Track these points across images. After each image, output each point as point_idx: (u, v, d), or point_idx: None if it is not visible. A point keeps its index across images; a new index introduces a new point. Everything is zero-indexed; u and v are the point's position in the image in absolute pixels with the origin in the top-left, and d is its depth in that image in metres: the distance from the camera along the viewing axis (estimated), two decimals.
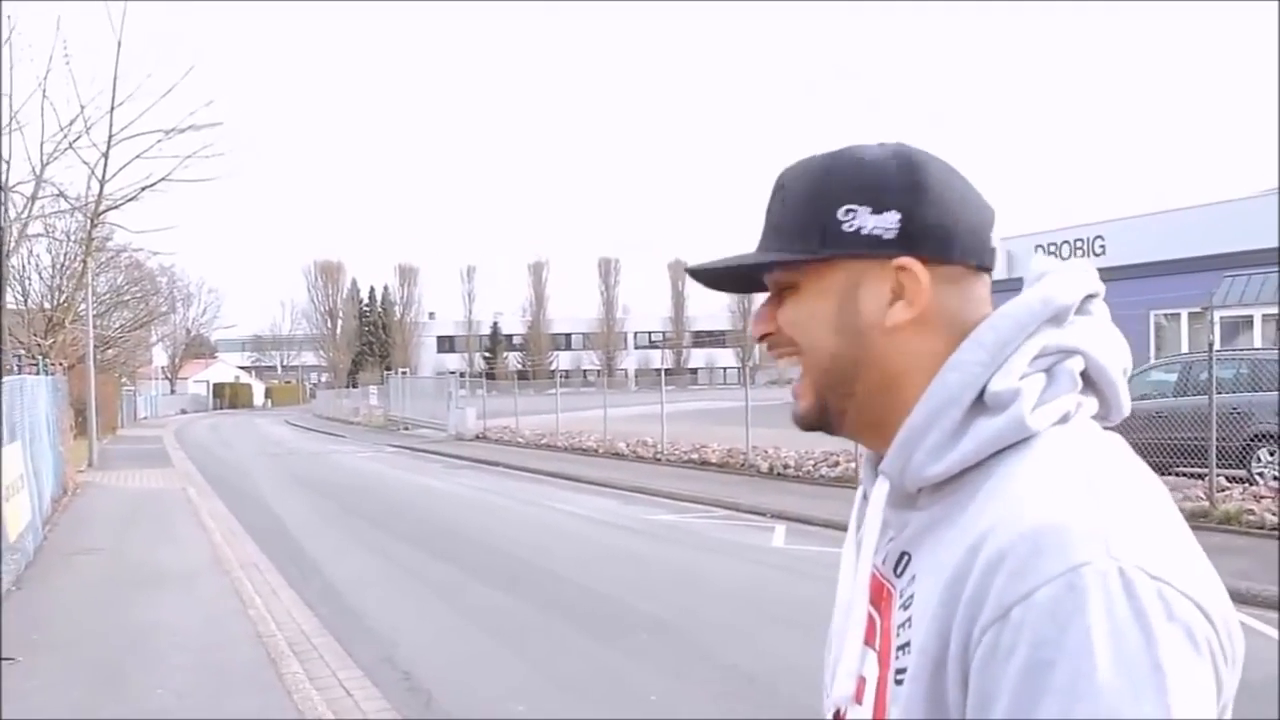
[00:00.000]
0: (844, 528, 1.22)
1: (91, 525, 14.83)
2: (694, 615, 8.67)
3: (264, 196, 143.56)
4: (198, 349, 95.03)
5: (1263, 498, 11.99)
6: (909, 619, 1.00)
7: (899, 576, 1.05)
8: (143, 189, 20.79)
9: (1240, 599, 8.42)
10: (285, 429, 50.98)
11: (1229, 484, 12.68)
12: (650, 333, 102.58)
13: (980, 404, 1.02)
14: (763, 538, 12.85)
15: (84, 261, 23.76)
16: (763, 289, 1.17)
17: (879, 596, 1.07)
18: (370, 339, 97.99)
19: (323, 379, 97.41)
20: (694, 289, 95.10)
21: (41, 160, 19.51)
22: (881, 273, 1.07)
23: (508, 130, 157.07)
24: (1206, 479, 12.11)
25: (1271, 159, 66.89)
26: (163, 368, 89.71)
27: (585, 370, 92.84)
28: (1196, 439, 12.44)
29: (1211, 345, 12.57)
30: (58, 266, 26.51)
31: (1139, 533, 0.90)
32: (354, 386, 73.23)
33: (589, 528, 14.38)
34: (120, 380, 50.49)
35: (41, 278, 27.50)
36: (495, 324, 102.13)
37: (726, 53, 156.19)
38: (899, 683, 0.99)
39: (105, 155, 20.27)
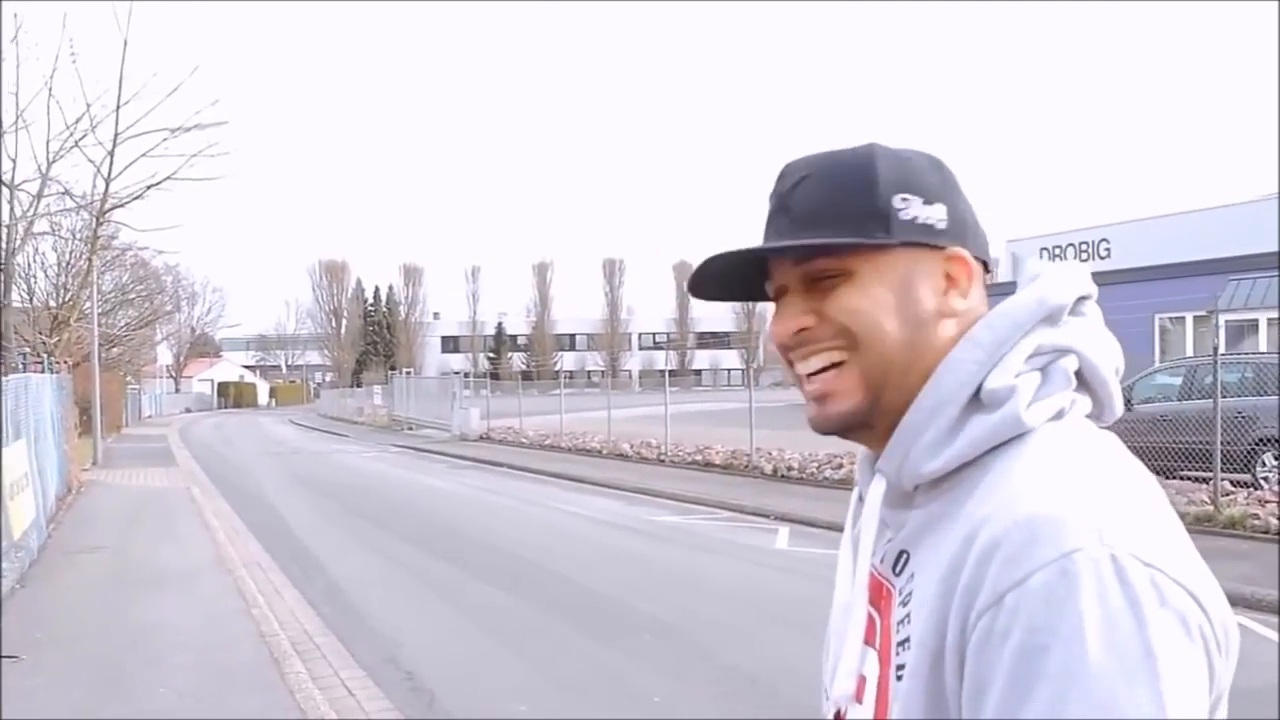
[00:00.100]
0: None
1: (95, 524, 14.85)
2: (697, 616, 8.67)
3: (269, 195, 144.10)
4: (202, 348, 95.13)
5: (1267, 502, 11.96)
6: (908, 615, 1.01)
7: (898, 575, 1.06)
8: (148, 187, 20.80)
9: (1245, 603, 8.39)
10: (289, 428, 51.03)
11: (1233, 488, 12.65)
12: (654, 334, 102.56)
13: (976, 401, 1.03)
14: (766, 539, 12.85)
15: (89, 260, 23.77)
16: (761, 297, 1.14)
17: (878, 596, 1.08)
18: (375, 339, 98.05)
19: (327, 378, 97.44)
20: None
21: (47, 158, 19.53)
22: (933, 262, 1.08)
23: (513, 131, 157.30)
24: (1211, 483, 12.08)
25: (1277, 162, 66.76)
26: (167, 366, 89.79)
27: (589, 371, 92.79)
28: (1201, 443, 12.41)
29: (1216, 349, 12.53)
30: (63, 265, 26.57)
31: (1132, 523, 0.91)
32: (358, 386, 73.25)
33: (592, 528, 14.38)
34: (125, 379, 50.53)
35: (47, 276, 27.57)
36: (500, 324, 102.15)
37: (731, 55, 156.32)
38: (900, 679, 1.00)
39: (111, 154, 20.30)
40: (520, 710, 6.39)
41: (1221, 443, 11.91)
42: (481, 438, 34.21)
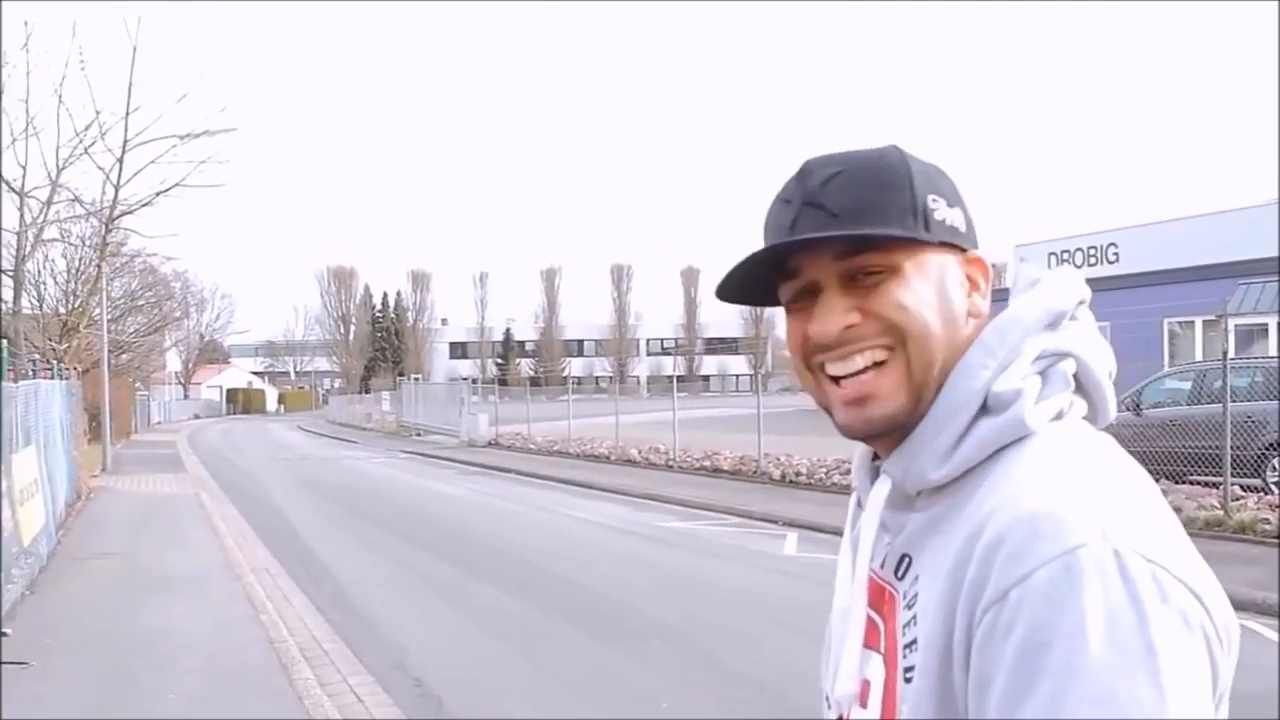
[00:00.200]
0: None
1: (105, 530, 14.88)
2: (705, 621, 8.66)
3: (278, 202, 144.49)
4: (211, 354, 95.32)
5: (1277, 507, 11.91)
6: (914, 617, 1.01)
7: (900, 579, 1.06)
8: (157, 194, 20.95)
9: (1255, 608, 8.36)
10: (298, 434, 51.10)
11: (1244, 493, 12.60)
12: (662, 339, 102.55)
13: (983, 404, 1.04)
14: (774, 545, 12.83)
15: (98, 266, 23.87)
16: (774, 301, 1.12)
17: (879, 600, 1.08)
18: (383, 345, 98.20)
19: (335, 385, 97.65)
20: (706, 296, 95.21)
21: (57, 165, 19.66)
22: (959, 264, 1.09)
23: (521, 137, 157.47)
24: (1221, 488, 12.04)
25: None
26: (176, 373, 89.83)
27: (597, 377, 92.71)
28: (1211, 447, 12.37)
29: (1226, 353, 12.51)
30: (73, 271, 26.67)
31: (1134, 520, 0.92)
32: (366, 392, 73.38)
33: (601, 534, 14.37)
34: (134, 385, 50.66)
35: (56, 282, 27.68)
36: (508, 330, 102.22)
37: (739, 61, 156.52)
38: (908, 680, 1.00)
39: (120, 161, 20.42)
40: (528, 715, 6.39)
41: (1231, 447, 11.87)
42: (490, 443, 34.22)
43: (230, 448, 39.99)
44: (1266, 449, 13.08)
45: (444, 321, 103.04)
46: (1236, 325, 20.80)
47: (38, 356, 16.80)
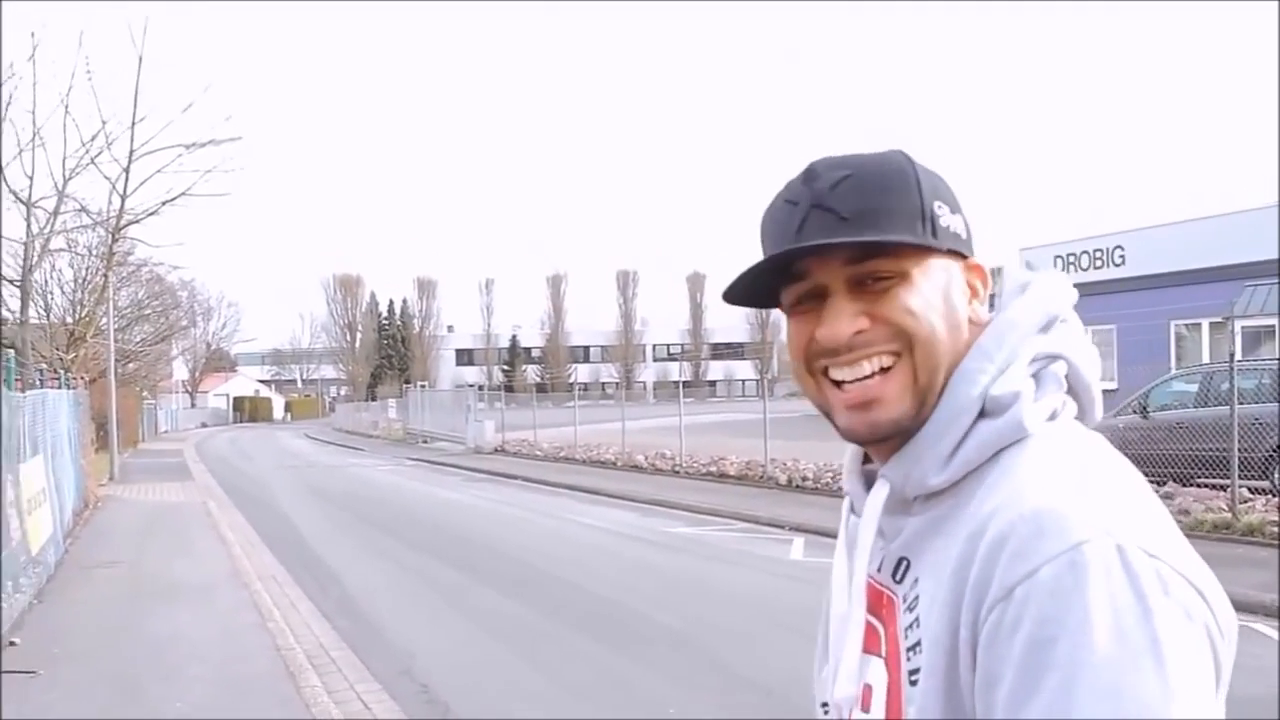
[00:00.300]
0: None
1: (112, 538, 14.90)
2: (711, 627, 8.65)
3: (284, 210, 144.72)
4: (218, 362, 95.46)
5: None
6: (916, 619, 1.01)
7: (899, 582, 1.06)
8: (163, 203, 20.95)
9: (1264, 611, 8.34)
10: (304, 442, 51.16)
11: (1251, 495, 12.57)
12: (669, 345, 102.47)
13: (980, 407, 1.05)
14: (781, 550, 12.82)
15: (105, 276, 23.90)
16: (775, 304, 1.12)
17: (878, 604, 1.08)
18: (389, 352, 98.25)
19: (342, 392, 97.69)
20: (712, 301, 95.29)
21: (64, 175, 19.69)
22: (960, 271, 1.10)
23: (526, 144, 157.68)
24: (1229, 490, 12.01)
25: None
26: (183, 381, 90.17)
27: (604, 383, 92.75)
28: (1218, 450, 12.34)
29: (1233, 355, 12.47)
30: (79, 281, 26.68)
31: (1134, 516, 0.93)
32: (373, 400, 73.43)
33: (607, 540, 14.37)
34: (141, 394, 50.76)
35: (63, 292, 27.67)
36: (514, 337, 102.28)
37: (740, 63, 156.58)
38: (914, 683, 1.00)
39: (126, 170, 20.45)
40: (534, 719, 6.40)
41: (1239, 449, 11.84)
42: (496, 450, 34.24)
43: (237, 456, 40.05)
44: (1274, 451, 13.03)
45: (450, 328, 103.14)
46: (1243, 327, 20.74)
47: (45, 366, 16.80)
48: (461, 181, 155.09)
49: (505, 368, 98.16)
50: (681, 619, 8.97)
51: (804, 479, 18.91)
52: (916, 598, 1.02)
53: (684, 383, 36.28)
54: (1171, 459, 13.57)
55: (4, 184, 18.37)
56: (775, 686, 6.89)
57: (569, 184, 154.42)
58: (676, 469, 23.24)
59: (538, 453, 31.43)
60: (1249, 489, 12.63)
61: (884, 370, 1.05)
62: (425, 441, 42.43)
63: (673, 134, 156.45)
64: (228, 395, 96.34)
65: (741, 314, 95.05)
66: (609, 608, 9.65)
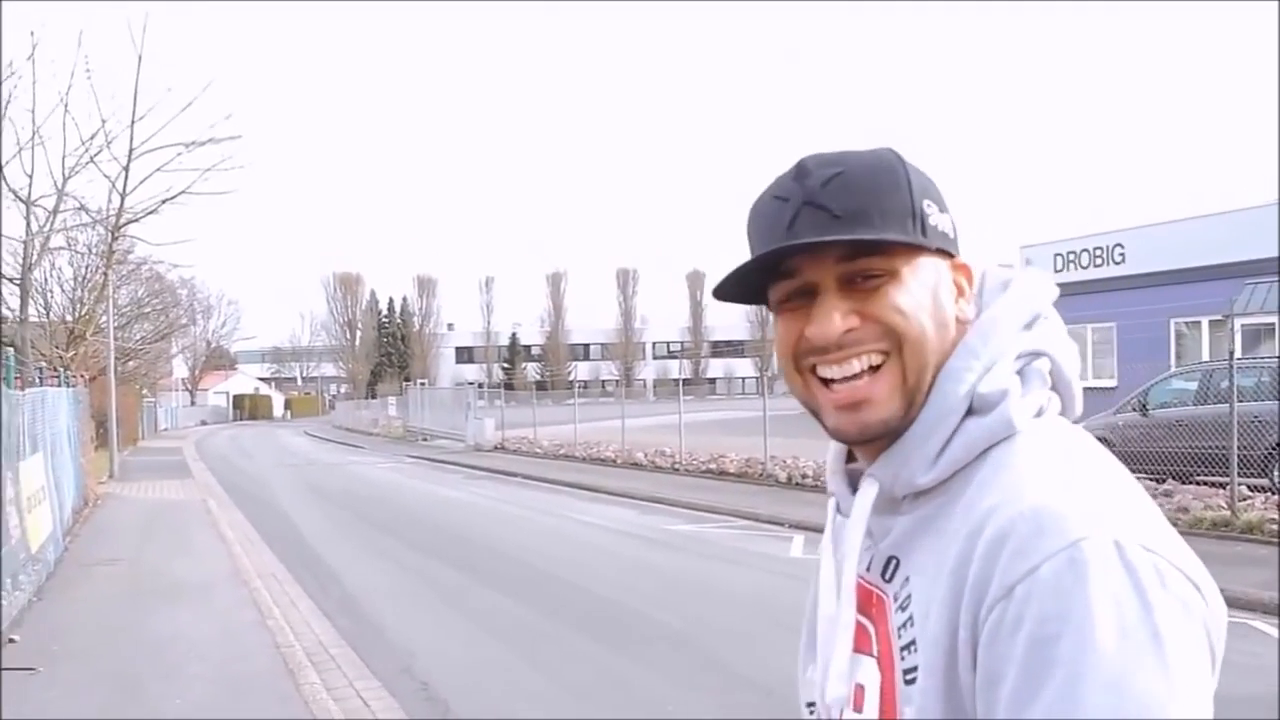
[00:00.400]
0: None
1: (112, 536, 14.90)
2: (711, 625, 8.65)
3: (284, 208, 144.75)
4: (218, 360, 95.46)
5: None
6: (909, 618, 1.01)
7: (889, 581, 1.06)
8: (163, 202, 20.93)
9: (1263, 609, 8.35)
10: (304, 440, 51.16)
11: (1251, 493, 12.58)
12: (668, 343, 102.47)
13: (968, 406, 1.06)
14: (780, 548, 12.82)
15: (105, 274, 23.89)
16: (763, 300, 1.11)
17: (868, 604, 1.08)
18: (389, 350, 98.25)
19: (342, 390, 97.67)
20: (712, 299, 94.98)
21: (63, 174, 19.68)
22: (948, 270, 1.09)
23: (526, 142, 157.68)
24: (1228, 488, 12.01)
25: None
26: (183, 379, 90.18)
27: (603, 380, 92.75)
28: (1218, 447, 12.35)
29: (1232, 353, 12.47)
30: (79, 279, 26.67)
31: (1128, 511, 0.94)
32: (373, 397, 73.42)
33: (607, 538, 14.37)
34: (141, 392, 50.73)
35: (63, 290, 27.66)
36: (514, 335, 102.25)
37: (740, 63, 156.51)
38: (910, 682, 1.00)
39: (126, 169, 20.44)
40: (534, 718, 6.40)
41: (1238, 447, 11.84)
42: (496, 448, 34.23)
43: (237, 454, 40.05)
44: (1273, 449, 13.04)
45: (450, 326, 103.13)
46: (1243, 325, 20.74)
47: (45, 364, 16.79)
48: (461, 180, 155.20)
49: (505, 365, 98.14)
50: (681, 618, 8.97)
51: (804, 476, 18.91)
52: (909, 596, 1.02)
53: (684, 380, 36.35)
54: (1171, 456, 13.57)
55: (4, 182, 18.37)
56: (775, 686, 6.88)
57: (569, 182, 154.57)
58: (676, 466, 23.24)
59: (537, 450, 31.43)
60: (1248, 487, 12.64)
61: (873, 369, 1.04)
62: (425, 439, 42.42)
63: (673, 133, 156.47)
64: (228, 393, 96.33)
65: (741, 312, 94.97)
66: (608, 606, 9.65)
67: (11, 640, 8.20)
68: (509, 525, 16.08)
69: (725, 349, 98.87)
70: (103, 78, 34.13)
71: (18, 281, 19.94)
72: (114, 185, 20.68)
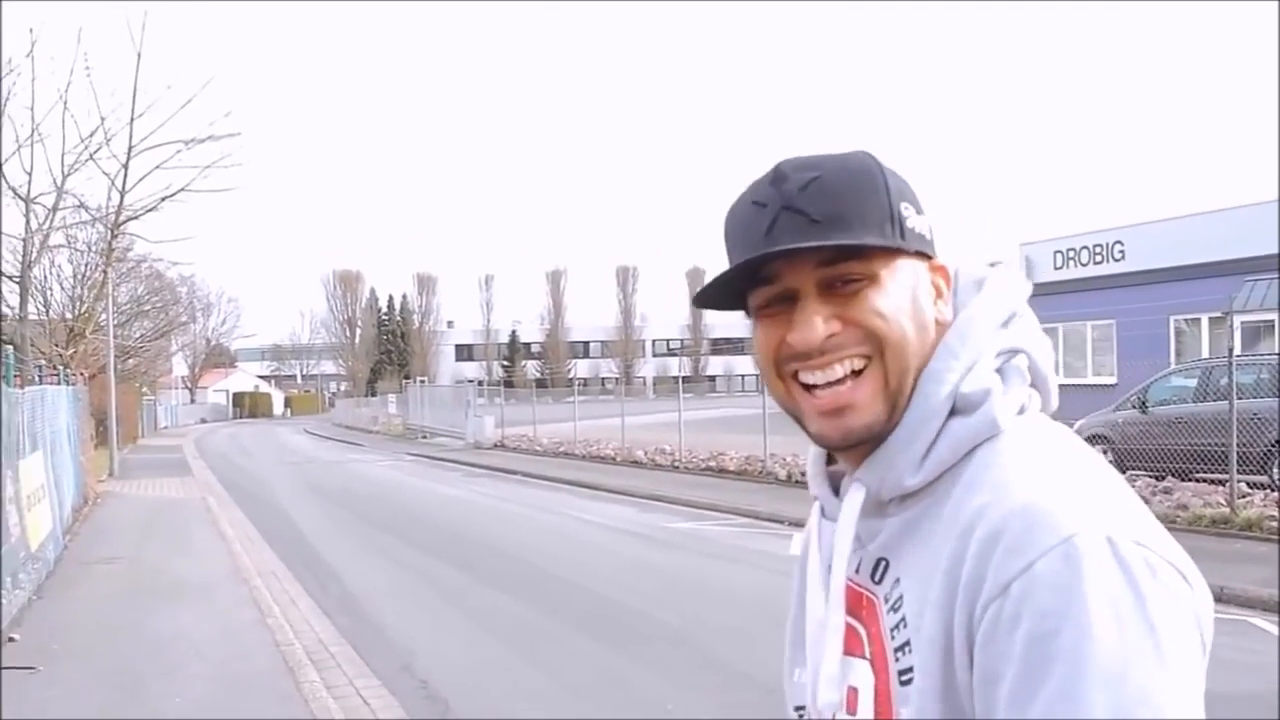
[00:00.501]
0: None
1: (111, 535, 14.90)
2: (710, 624, 8.66)
3: (283, 206, 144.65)
4: (217, 358, 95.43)
5: None
6: (902, 619, 1.01)
7: (879, 583, 1.06)
8: (162, 199, 20.95)
9: (1262, 605, 8.35)
10: (304, 438, 51.16)
11: (1250, 490, 12.59)
12: (668, 340, 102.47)
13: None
14: (780, 545, 12.80)
15: (104, 272, 23.90)
16: (742, 306, 1.11)
17: (858, 606, 1.08)
18: (389, 348, 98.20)
19: (341, 388, 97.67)
20: None
21: (63, 172, 19.69)
22: (926, 273, 1.10)
23: (525, 140, 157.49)
24: (1227, 485, 12.02)
25: None
26: (183, 377, 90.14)
27: (603, 378, 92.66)
28: (1217, 444, 12.36)
29: (1232, 350, 12.48)
30: (79, 277, 26.66)
31: (1116, 506, 0.95)
32: (373, 395, 73.41)
33: (607, 536, 14.37)
34: (140, 390, 50.72)
35: (63, 288, 27.65)
36: (513, 332, 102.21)
37: (740, 62, 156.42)
38: (906, 683, 1.00)
39: (125, 166, 20.45)
40: (533, 717, 6.39)
41: (1237, 444, 11.85)
42: (496, 446, 34.24)
43: (237, 452, 40.05)
44: (1272, 446, 13.04)
45: (450, 324, 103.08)
46: (1243, 322, 20.75)
47: (44, 362, 16.81)
48: (461, 178, 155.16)
49: (505, 363, 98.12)
50: (680, 616, 8.97)
51: (803, 474, 18.69)
52: (900, 597, 1.02)
53: (683, 378, 36.36)
54: (1170, 454, 13.59)
55: (3, 180, 18.36)
56: (774, 684, 6.82)
57: (568, 180, 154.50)
58: (676, 464, 23.24)
59: (537, 448, 31.43)
60: (1247, 484, 12.65)
61: (855, 374, 1.04)
62: (425, 437, 42.41)
63: (672, 131, 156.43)
64: (227, 391, 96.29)
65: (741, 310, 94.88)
66: (608, 605, 9.65)
67: (11, 639, 8.20)
68: (509, 523, 16.09)
69: (725, 346, 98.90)
70: (102, 75, 34.15)
71: (17, 279, 19.95)
72: (113, 182, 20.71)
